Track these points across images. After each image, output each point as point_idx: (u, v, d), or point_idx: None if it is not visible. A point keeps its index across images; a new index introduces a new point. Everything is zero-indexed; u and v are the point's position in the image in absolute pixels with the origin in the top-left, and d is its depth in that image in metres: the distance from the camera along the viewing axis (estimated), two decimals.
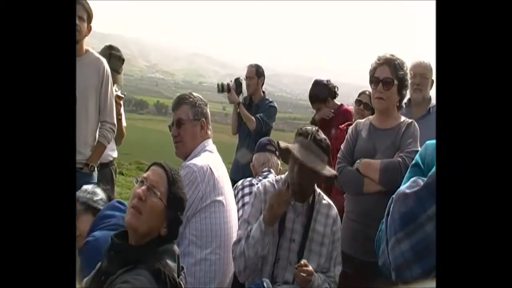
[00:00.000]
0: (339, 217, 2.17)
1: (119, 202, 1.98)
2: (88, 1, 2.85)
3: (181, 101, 2.27)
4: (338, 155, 2.43)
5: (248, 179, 2.79)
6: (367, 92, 3.20)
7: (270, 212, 1.99)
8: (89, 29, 2.85)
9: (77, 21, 2.71)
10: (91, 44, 3.11)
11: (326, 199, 2.15)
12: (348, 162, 2.39)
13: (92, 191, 1.99)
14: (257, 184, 2.68)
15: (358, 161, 2.35)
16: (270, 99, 4.36)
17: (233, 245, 2.10)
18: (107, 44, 3.60)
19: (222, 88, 4.24)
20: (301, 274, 1.91)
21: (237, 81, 4.31)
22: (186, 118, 2.23)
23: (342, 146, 2.48)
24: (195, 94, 2.34)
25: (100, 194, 2.00)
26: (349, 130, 2.54)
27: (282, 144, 2.18)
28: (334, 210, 2.15)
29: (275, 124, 4.56)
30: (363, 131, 2.43)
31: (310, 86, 3.91)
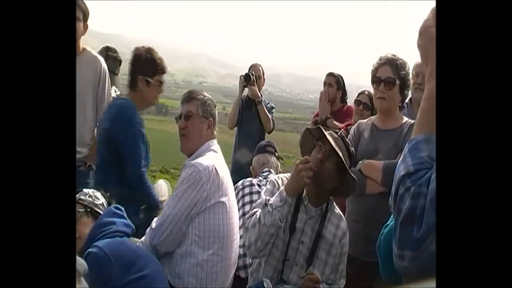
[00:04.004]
0: (348, 231, 2.11)
1: (117, 208, 1.95)
2: (89, 1, 2.85)
3: (193, 95, 2.27)
4: None
5: (249, 179, 2.79)
6: (367, 92, 3.20)
7: (293, 180, 1.90)
8: (86, 28, 2.84)
9: None
10: (91, 44, 3.11)
11: (338, 210, 2.11)
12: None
13: (94, 195, 1.96)
14: (257, 184, 2.68)
15: (360, 162, 2.35)
16: (265, 99, 4.36)
17: (246, 218, 1.99)
18: (106, 45, 3.61)
19: (249, 78, 3.94)
20: (308, 282, 1.87)
21: (255, 76, 4.01)
22: (195, 112, 2.23)
23: None
24: (206, 93, 2.34)
25: (101, 198, 1.97)
26: (351, 131, 2.54)
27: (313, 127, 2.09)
28: (344, 222, 2.10)
29: (275, 124, 4.58)
30: (365, 132, 2.43)
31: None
